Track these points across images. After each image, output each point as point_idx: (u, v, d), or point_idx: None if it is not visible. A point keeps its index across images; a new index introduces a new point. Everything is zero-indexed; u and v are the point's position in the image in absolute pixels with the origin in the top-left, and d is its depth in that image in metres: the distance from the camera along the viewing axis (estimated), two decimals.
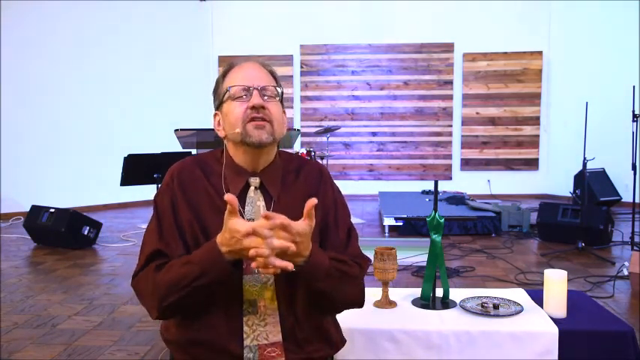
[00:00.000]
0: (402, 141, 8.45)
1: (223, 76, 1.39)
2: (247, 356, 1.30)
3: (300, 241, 1.19)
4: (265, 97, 1.34)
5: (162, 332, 1.42)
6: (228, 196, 1.16)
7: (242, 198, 1.37)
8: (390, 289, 2.00)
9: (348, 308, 1.45)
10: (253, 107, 1.31)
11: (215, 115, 1.42)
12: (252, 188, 1.38)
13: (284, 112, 1.41)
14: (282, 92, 1.40)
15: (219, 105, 1.40)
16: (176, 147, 4.72)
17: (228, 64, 1.42)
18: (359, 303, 1.45)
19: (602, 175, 6.91)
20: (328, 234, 1.43)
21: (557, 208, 5.01)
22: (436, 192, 2.07)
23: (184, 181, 1.38)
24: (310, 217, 1.20)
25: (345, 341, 1.50)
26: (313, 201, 1.18)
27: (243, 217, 1.33)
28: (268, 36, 8.39)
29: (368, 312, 1.90)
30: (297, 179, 1.44)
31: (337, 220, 1.45)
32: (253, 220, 1.33)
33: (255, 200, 1.37)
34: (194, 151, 4.62)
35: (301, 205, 1.30)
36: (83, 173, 7.12)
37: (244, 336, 1.30)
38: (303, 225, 1.19)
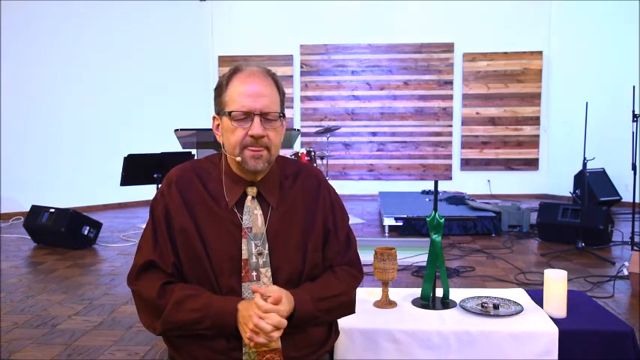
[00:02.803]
0: (402, 141, 8.45)
1: (227, 80, 1.37)
2: None
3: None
4: (266, 122, 1.34)
5: None
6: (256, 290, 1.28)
7: (240, 206, 1.39)
8: (390, 289, 2.00)
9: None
10: (252, 136, 1.32)
11: (214, 118, 1.42)
12: (249, 197, 1.40)
13: (283, 123, 1.39)
14: (284, 113, 1.39)
15: (218, 112, 1.39)
16: (176, 147, 4.71)
17: (233, 67, 1.39)
18: (351, 313, 1.52)
19: (602, 175, 6.91)
20: (328, 239, 1.46)
21: (557, 208, 5.01)
22: (436, 192, 2.07)
23: (182, 188, 1.40)
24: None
25: (339, 333, 1.56)
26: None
27: (242, 227, 1.37)
28: (268, 36, 8.39)
29: (368, 312, 1.90)
30: (295, 185, 1.46)
31: (336, 223, 1.48)
32: (251, 228, 1.37)
33: (252, 209, 1.39)
34: (194, 151, 4.62)
35: (298, 211, 1.42)
36: (83, 173, 7.12)
37: (243, 343, 1.32)
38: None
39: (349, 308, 1.50)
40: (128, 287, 1.41)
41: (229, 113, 1.33)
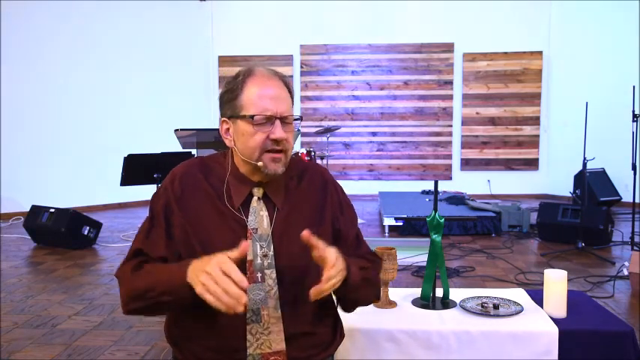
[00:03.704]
0: (402, 141, 8.45)
1: (242, 84, 1.33)
2: None
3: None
4: (284, 125, 1.33)
5: (166, 332, 1.43)
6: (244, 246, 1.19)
7: (245, 207, 1.38)
8: (390, 289, 2.00)
9: (366, 305, 1.54)
10: (274, 140, 1.32)
11: (223, 121, 1.38)
12: (255, 198, 1.38)
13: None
14: (301, 116, 1.43)
15: (231, 116, 1.36)
16: (176, 147, 4.71)
17: (245, 70, 1.36)
18: (378, 298, 1.55)
19: (602, 175, 6.91)
20: (339, 237, 1.45)
21: (557, 208, 5.01)
22: (436, 192, 2.07)
23: (185, 184, 1.38)
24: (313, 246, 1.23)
25: (344, 335, 1.53)
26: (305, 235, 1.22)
27: (248, 228, 1.36)
28: (268, 36, 8.39)
29: (368, 312, 1.89)
30: (300, 185, 1.44)
31: (346, 224, 1.47)
32: (256, 229, 1.35)
33: (258, 210, 1.37)
34: (194, 151, 4.61)
35: (304, 212, 1.40)
36: (83, 173, 7.12)
37: (247, 344, 1.30)
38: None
39: (377, 288, 1.51)
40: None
41: (252, 117, 1.31)
